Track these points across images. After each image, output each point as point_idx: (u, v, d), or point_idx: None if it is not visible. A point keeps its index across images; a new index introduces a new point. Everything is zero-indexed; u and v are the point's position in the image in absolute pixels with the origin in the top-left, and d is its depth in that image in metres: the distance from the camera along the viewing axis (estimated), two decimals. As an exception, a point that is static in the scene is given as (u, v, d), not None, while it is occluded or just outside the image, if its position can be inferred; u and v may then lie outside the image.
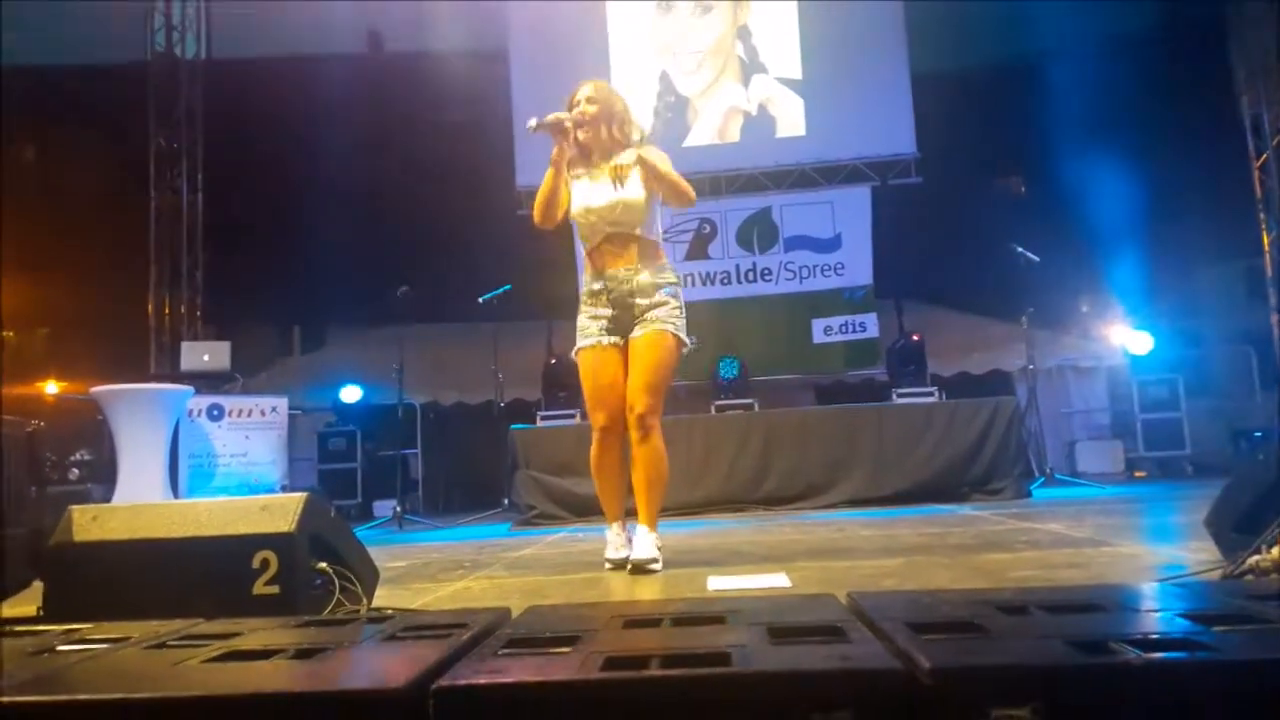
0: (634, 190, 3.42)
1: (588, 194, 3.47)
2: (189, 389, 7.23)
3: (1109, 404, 9.75)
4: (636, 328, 3.44)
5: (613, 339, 3.47)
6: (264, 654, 1.35)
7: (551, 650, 1.28)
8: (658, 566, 3.31)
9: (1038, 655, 1.12)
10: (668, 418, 6.81)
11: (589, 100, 3.49)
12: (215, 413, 7.82)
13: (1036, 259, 7.29)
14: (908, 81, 9.62)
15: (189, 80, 10.00)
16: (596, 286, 3.49)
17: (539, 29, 10.03)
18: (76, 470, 7.47)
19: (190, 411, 7.51)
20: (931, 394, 7.62)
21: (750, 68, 9.93)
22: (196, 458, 7.68)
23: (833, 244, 9.70)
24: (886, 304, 9.57)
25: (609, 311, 3.47)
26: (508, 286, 7.63)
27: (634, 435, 3.41)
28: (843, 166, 9.75)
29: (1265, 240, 9.50)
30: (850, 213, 9.68)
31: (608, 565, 3.56)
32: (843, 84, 9.72)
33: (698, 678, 1.09)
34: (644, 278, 3.44)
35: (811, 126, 9.79)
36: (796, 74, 9.84)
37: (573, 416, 7.52)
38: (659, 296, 3.44)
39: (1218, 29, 9.70)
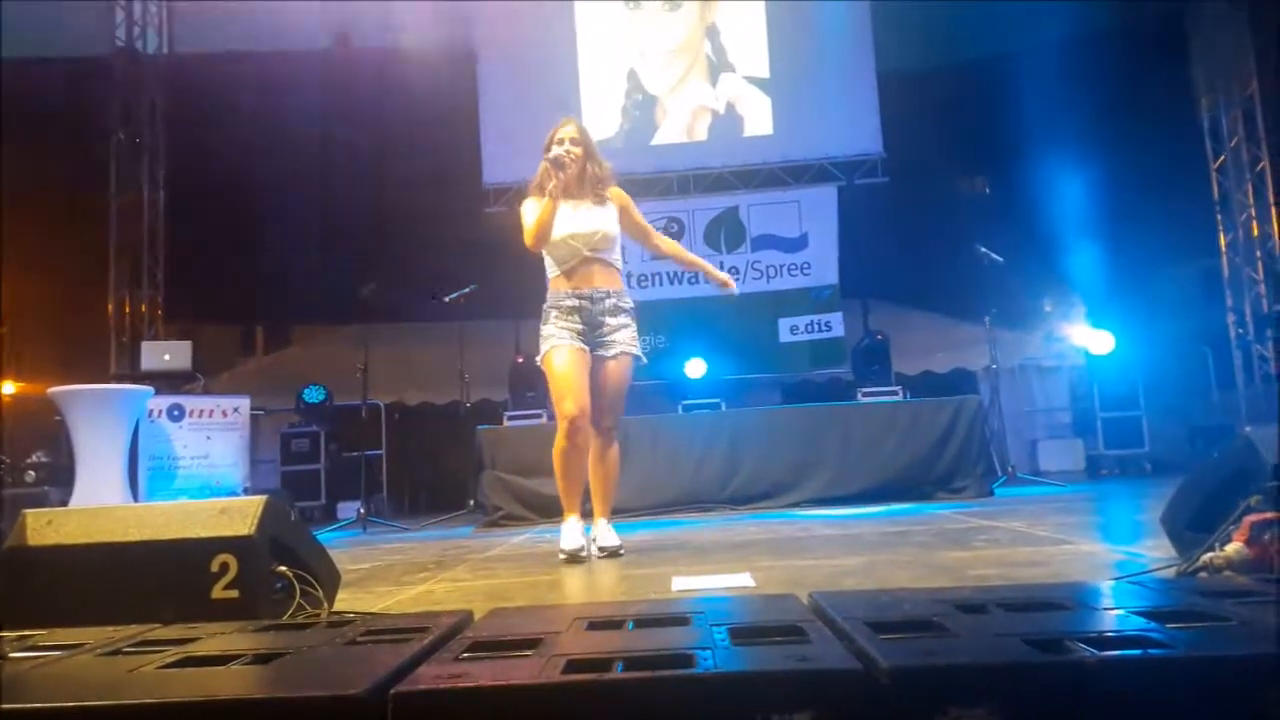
0: (613, 225, 3.96)
1: (571, 221, 3.86)
2: (149, 389, 7.13)
3: (1070, 403, 9.89)
4: (602, 348, 3.89)
5: (582, 344, 3.85)
6: (221, 659, 1.33)
7: (513, 653, 1.28)
8: (622, 551, 3.82)
9: (995, 654, 1.13)
10: (635, 417, 6.84)
11: (573, 141, 3.90)
12: (176, 413, 7.72)
13: (1000, 259, 7.36)
14: (874, 81, 9.70)
15: (151, 76, 9.87)
16: (571, 303, 3.86)
17: (507, 27, 10.00)
18: (33, 472, 7.34)
19: (150, 412, 7.42)
20: (896, 393, 7.68)
21: (718, 66, 9.96)
22: (157, 459, 7.58)
23: (799, 243, 9.76)
24: (852, 303, 9.65)
25: (580, 325, 3.86)
26: (474, 286, 7.59)
27: (600, 441, 3.93)
28: (809, 166, 9.81)
29: (1222, 242, 9.68)
30: (817, 212, 9.74)
31: (563, 556, 3.72)
32: (810, 83, 9.79)
33: (659, 680, 1.09)
34: (613, 301, 3.91)
35: (779, 126, 9.85)
36: (764, 73, 9.88)
37: (539, 417, 7.50)
38: (623, 319, 3.95)
39: (1178, 33, 9.85)
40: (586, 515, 3.95)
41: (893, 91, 9.68)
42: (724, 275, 4.32)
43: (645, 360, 4.05)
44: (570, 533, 3.80)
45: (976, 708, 1.01)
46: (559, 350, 3.80)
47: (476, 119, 9.80)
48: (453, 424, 8.70)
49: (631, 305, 4.01)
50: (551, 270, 3.95)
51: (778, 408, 8.01)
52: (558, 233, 3.82)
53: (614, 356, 3.89)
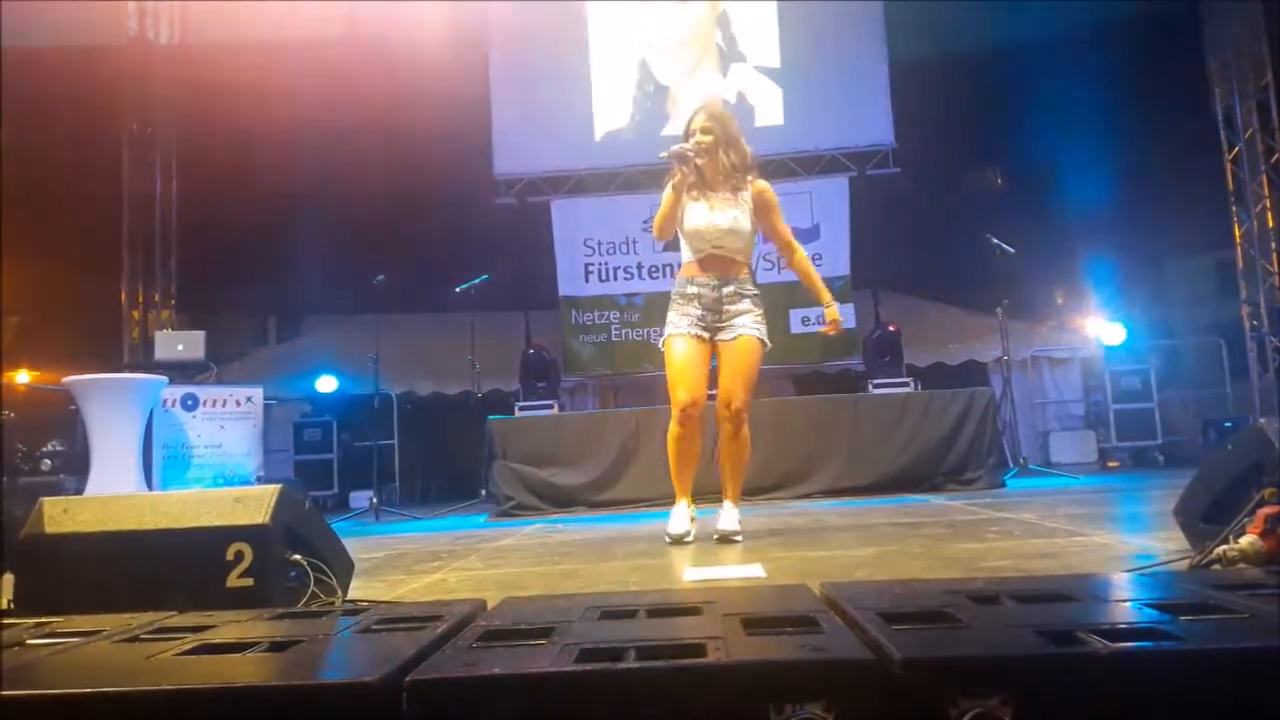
0: (744, 222, 3.87)
1: (704, 217, 3.85)
2: (163, 379, 7.17)
3: (1082, 394, 9.85)
4: (724, 331, 3.87)
5: (700, 332, 3.86)
6: (237, 647, 1.34)
7: (527, 642, 1.28)
8: (740, 538, 3.78)
9: (1007, 646, 1.13)
10: (647, 407, 6.84)
11: (704, 130, 3.84)
12: (190, 403, 7.76)
13: (1012, 250, 7.33)
14: (886, 72, 9.65)
15: (163, 67, 9.87)
16: (691, 290, 3.88)
17: (517, 16, 9.97)
18: (49, 461, 7.39)
19: (164, 402, 7.45)
20: (907, 384, 7.67)
21: (729, 56, 9.92)
22: (171, 448, 7.61)
23: (810, 234, 9.71)
24: (863, 295, 9.61)
25: (699, 312, 3.87)
26: (485, 276, 7.60)
27: (728, 427, 3.90)
28: (821, 156, 9.77)
29: (1236, 232, 9.61)
30: (828, 203, 9.70)
31: (668, 539, 3.80)
32: (821, 73, 9.74)
33: (672, 670, 1.09)
34: (732, 289, 3.87)
35: (790, 116, 9.80)
36: (775, 63, 9.84)
37: (550, 407, 7.51)
38: (744, 304, 3.88)
39: (1192, 23, 9.78)
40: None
41: (904, 82, 9.62)
42: (835, 313, 4.06)
43: (769, 345, 3.95)
44: (678, 516, 3.87)
45: (988, 699, 1.01)
46: (675, 339, 3.86)
47: (487, 110, 9.79)
48: (464, 414, 8.72)
49: (755, 292, 3.95)
50: (685, 256, 3.97)
51: (789, 399, 8.00)
52: (689, 224, 3.85)
53: (734, 339, 3.85)
